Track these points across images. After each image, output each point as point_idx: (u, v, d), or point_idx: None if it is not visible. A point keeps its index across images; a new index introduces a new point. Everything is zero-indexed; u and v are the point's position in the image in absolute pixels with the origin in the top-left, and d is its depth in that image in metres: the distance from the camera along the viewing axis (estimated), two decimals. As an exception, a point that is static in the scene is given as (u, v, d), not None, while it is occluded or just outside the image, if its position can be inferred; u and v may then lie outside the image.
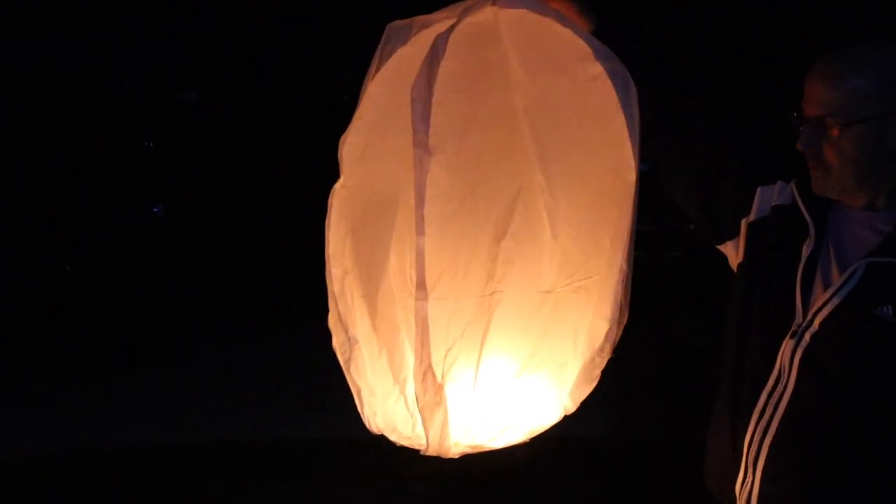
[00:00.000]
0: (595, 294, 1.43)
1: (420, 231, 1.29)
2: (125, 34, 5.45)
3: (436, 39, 1.34)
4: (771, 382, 1.38)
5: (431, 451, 1.37)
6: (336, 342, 1.51)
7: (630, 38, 1.51)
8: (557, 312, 1.43)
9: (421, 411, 1.33)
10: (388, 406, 1.47)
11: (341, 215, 1.50)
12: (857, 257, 1.34)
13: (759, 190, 1.49)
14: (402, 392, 1.44)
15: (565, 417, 1.47)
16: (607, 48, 1.39)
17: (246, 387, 4.64)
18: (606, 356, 1.43)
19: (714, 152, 1.54)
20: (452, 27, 1.35)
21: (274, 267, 5.42)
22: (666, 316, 5.05)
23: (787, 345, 1.36)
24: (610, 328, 1.41)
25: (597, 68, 1.39)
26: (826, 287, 1.35)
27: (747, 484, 1.40)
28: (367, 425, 1.49)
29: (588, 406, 1.47)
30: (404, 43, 1.41)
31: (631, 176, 1.38)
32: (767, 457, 1.37)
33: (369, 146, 1.48)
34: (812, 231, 1.39)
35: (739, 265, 1.52)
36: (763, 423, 1.38)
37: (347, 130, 1.47)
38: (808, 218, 1.41)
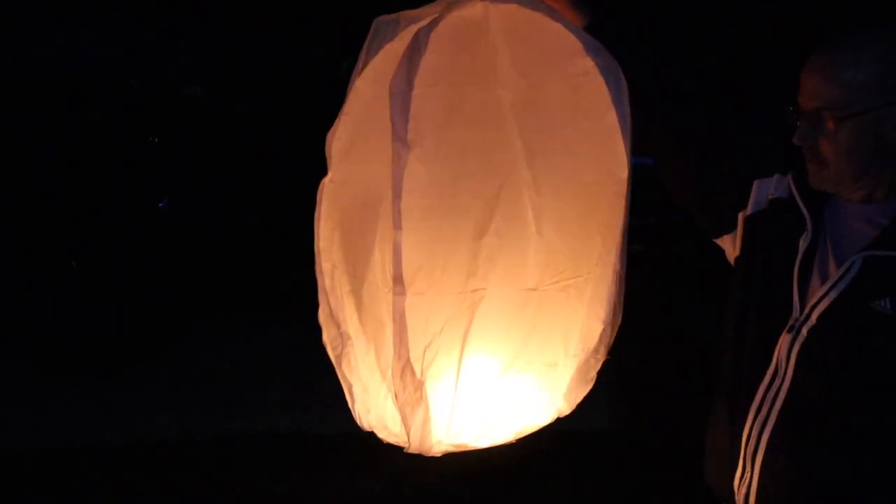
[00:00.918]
0: (587, 293, 1.40)
1: (397, 225, 1.28)
2: (129, 27, 5.44)
3: (417, 33, 1.33)
4: (768, 377, 1.37)
5: (413, 449, 1.36)
6: (327, 337, 1.50)
7: (623, 33, 1.49)
8: (544, 311, 1.41)
9: (401, 408, 1.32)
10: (378, 403, 1.46)
11: (329, 210, 1.50)
12: (855, 251, 1.33)
13: (755, 183, 1.48)
14: (390, 389, 1.42)
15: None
16: (598, 43, 1.37)
17: (256, 380, 4.64)
18: (602, 358, 1.41)
19: (710, 146, 1.52)
20: (435, 22, 1.34)
21: (282, 260, 5.39)
22: (672, 310, 5.02)
23: (784, 339, 1.35)
24: (604, 329, 1.39)
25: (588, 63, 1.37)
26: (823, 281, 1.34)
27: (746, 478, 1.39)
28: (359, 422, 1.47)
29: (589, 400, 1.45)
30: (392, 38, 1.40)
31: (623, 173, 1.35)
32: (766, 451, 1.36)
33: (356, 141, 1.47)
34: (809, 224, 1.38)
35: (736, 259, 1.51)
36: (761, 418, 1.37)
37: (335, 126, 1.47)
38: (805, 211, 1.39)
